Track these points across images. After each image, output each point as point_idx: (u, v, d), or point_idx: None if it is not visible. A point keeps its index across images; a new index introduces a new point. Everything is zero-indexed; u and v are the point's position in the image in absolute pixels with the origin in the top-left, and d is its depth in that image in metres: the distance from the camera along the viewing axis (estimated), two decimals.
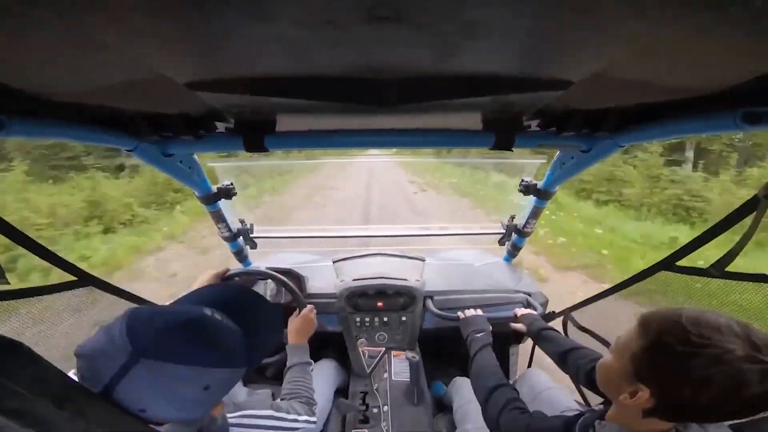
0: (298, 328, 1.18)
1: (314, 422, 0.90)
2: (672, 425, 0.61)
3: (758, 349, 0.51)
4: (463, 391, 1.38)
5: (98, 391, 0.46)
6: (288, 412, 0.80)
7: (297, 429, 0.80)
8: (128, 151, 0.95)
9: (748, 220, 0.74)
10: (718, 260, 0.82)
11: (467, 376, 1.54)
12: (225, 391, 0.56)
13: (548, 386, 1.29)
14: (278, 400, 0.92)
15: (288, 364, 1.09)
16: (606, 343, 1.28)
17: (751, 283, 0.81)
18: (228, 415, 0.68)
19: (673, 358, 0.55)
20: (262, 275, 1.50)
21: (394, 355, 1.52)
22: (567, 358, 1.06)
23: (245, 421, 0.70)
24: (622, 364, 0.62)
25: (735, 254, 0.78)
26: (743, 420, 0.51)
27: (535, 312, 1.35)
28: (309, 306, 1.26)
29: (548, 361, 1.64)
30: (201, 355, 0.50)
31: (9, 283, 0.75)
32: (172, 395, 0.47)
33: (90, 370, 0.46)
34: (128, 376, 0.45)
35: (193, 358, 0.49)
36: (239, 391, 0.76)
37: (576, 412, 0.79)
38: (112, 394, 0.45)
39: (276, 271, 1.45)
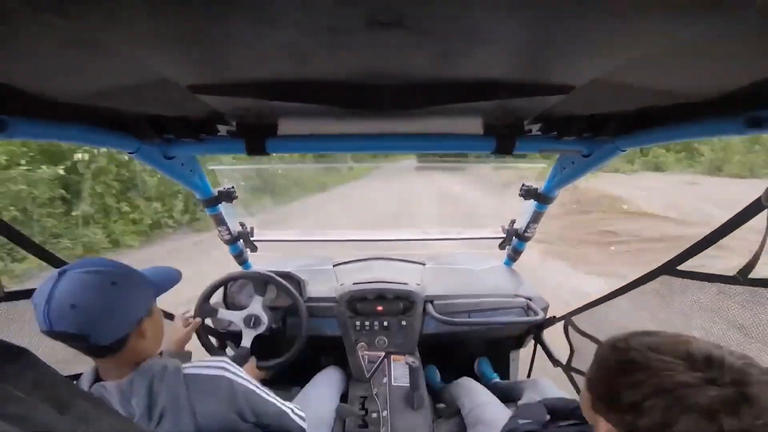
0: (178, 338, 1.10)
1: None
2: None
3: (702, 371, 0.45)
4: (472, 393, 1.35)
5: (42, 309, 0.59)
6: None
7: (245, 380, 0.78)
8: (130, 153, 0.96)
9: (751, 223, 0.74)
10: (742, 268, 0.78)
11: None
12: (136, 295, 0.68)
13: (558, 396, 1.27)
14: None
15: None
16: None
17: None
18: (183, 365, 0.72)
19: (612, 385, 0.51)
20: (262, 278, 1.50)
21: (393, 360, 1.52)
22: None
23: (197, 364, 0.74)
24: (585, 392, 0.60)
25: (756, 261, 0.76)
26: None
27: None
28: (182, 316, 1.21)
29: (549, 367, 1.64)
30: (99, 262, 0.66)
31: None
32: (89, 292, 0.61)
33: (37, 298, 0.60)
34: (58, 287, 0.60)
35: (94, 264, 0.65)
36: None
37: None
38: (51, 303, 0.59)
39: (276, 275, 1.45)
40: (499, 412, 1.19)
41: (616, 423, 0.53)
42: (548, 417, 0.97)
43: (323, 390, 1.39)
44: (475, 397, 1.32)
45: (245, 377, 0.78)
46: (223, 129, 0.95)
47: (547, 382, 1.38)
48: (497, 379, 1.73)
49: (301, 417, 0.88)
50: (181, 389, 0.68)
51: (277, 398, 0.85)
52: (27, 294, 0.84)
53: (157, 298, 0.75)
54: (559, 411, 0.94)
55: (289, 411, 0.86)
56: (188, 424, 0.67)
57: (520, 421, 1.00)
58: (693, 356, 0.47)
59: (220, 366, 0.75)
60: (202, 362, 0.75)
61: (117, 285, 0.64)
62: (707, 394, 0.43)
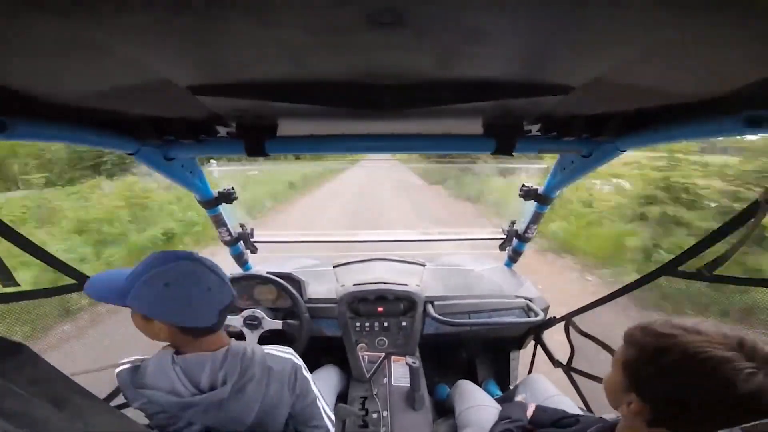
0: None
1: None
2: None
3: (741, 350, 0.52)
4: (465, 396, 1.36)
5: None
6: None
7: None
8: (129, 154, 0.95)
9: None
10: (708, 263, 0.81)
11: (468, 380, 1.54)
12: (221, 299, 0.74)
13: (553, 393, 1.28)
14: None
15: None
16: (608, 348, 1.27)
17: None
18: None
19: (654, 365, 0.58)
20: (262, 279, 1.49)
21: (394, 361, 1.51)
22: None
23: (270, 351, 0.83)
24: (617, 376, 0.65)
25: (727, 258, 0.78)
26: (746, 426, 0.49)
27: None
28: None
29: (549, 367, 1.64)
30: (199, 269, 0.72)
31: (19, 285, 0.76)
32: (188, 288, 0.69)
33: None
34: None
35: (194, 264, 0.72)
36: None
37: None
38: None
39: (276, 276, 1.45)
40: (489, 414, 1.20)
41: (649, 401, 0.59)
42: (528, 415, 0.99)
43: (320, 388, 1.39)
44: (469, 399, 1.33)
45: (306, 369, 0.88)
46: (222, 130, 0.95)
47: (543, 381, 1.38)
48: (500, 395, 1.73)
49: (330, 419, 0.92)
50: (266, 365, 0.78)
51: (324, 401, 0.92)
52: (45, 293, 0.84)
53: None
54: (543, 421, 0.97)
55: (324, 413, 0.90)
56: (256, 399, 0.75)
57: (501, 422, 1.02)
58: (735, 343, 0.53)
59: (289, 352, 0.86)
60: (273, 348, 0.85)
61: (212, 291, 0.73)
62: (746, 375, 0.50)
